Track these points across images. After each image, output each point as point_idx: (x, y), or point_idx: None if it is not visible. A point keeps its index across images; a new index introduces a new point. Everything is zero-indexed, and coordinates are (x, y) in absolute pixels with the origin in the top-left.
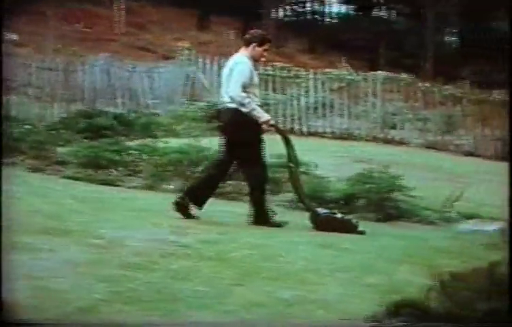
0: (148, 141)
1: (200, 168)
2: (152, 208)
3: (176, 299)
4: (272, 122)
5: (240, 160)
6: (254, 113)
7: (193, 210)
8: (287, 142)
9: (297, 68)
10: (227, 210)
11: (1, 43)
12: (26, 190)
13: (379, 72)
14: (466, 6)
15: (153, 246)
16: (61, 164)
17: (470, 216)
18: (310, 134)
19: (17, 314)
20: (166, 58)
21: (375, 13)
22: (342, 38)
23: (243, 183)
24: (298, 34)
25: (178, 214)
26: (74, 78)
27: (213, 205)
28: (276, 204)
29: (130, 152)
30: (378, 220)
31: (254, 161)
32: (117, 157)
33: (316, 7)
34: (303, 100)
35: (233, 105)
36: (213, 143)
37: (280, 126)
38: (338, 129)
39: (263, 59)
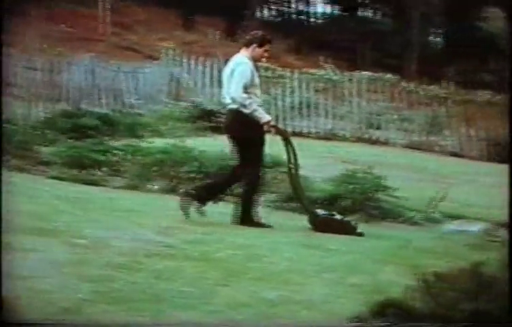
0: (133, 141)
1: (185, 168)
2: (137, 208)
3: (161, 299)
4: (273, 123)
5: (240, 159)
6: (256, 114)
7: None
8: (288, 143)
9: (281, 68)
10: (212, 210)
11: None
12: (11, 190)
13: (364, 72)
14: (450, 6)
15: (138, 246)
16: (46, 164)
17: (454, 217)
18: (295, 134)
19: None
20: (151, 58)
21: (360, 13)
22: (327, 38)
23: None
24: (283, 34)
25: (162, 214)
26: (59, 78)
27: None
28: (262, 204)
29: (114, 152)
30: (366, 221)
31: (254, 161)
32: (102, 157)
33: (301, 8)
34: (287, 100)
35: (234, 106)
36: (197, 143)
37: (281, 127)
38: (323, 129)
39: (263, 60)
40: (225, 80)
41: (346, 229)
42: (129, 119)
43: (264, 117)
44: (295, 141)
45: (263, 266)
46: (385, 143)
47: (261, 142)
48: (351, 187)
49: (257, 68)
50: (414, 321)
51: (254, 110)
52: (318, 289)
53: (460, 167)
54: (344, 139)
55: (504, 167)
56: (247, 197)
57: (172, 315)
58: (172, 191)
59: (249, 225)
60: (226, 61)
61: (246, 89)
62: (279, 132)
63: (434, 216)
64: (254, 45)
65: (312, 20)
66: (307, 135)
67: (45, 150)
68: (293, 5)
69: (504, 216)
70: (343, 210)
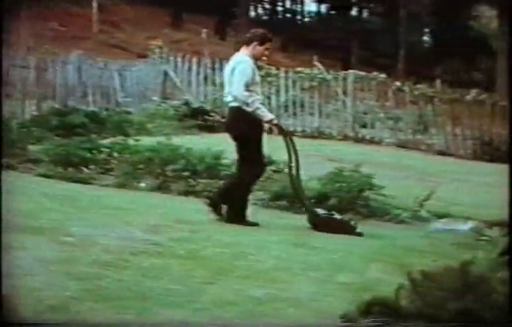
0: (120, 139)
1: (172, 166)
2: (124, 206)
3: (148, 297)
4: (276, 121)
5: (240, 156)
6: (258, 112)
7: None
8: (289, 142)
9: (268, 66)
10: (200, 208)
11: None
12: None
13: (351, 71)
14: (439, 5)
15: (125, 244)
16: (33, 162)
17: (441, 216)
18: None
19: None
20: (140, 56)
21: (349, 12)
22: (315, 37)
23: (220, 181)
24: (271, 33)
25: (149, 212)
26: (46, 76)
27: (185, 203)
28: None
29: (102, 150)
30: (353, 220)
31: (255, 158)
32: (89, 155)
33: (289, 6)
34: (274, 99)
35: (235, 104)
36: (184, 141)
37: (284, 126)
38: (309, 127)
39: (264, 58)
40: (226, 79)
41: (346, 228)
42: (117, 117)
43: (267, 115)
44: (282, 139)
45: (250, 264)
46: (372, 141)
47: (261, 140)
48: (338, 185)
49: (258, 66)
50: (401, 320)
51: (257, 108)
52: (305, 288)
53: (447, 165)
54: (330, 137)
55: (491, 166)
56: (237, 194)
57: (159, 313)
58: (159, 188)
59: (237, 223)
60: (213, 60)
61: (248, 87)
62: (281, 131)
63: (421, 215)
64: (255, 43)
65: (300, 18)
66: (293, 134)
67: (33, 148)
68: (281, 4)
69: (491, 216)
70: (330, 208)
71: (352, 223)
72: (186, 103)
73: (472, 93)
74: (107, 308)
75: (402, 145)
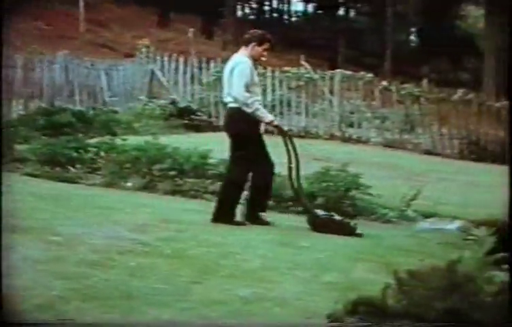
0: (107, 138)
1: (158, 166)
2: (111, 206)
3: (134, 296)
4: (276, 122)
5: (237, 156)
6: (258, 113)
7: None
8: (289, 143)
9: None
10: (186, 207)
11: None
12: None
13: (338, 71)
14: (426, 5)
15: (111, 243)
16: (20, 161)
17: (428, 215)
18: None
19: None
20: (127, 55)
21: (335, 11)
22: (302, 36)
23: (207, 181)
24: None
25: (136, 212)
26: (33, 76)
27: (172, 202)
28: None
29: (89, 149)
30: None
31: (257, 158)
32: (76, 155)
33: (276, 6)
34: (261, 98)
35: (234, 105)
36: (171, 140)
37: (284, 127)
38: (296, 127)
39: (263, 59)
40: (225, 80)
41: (346, 230)
42: (103, 116)
43: (267, 116)
44: (266, 139)
45: (237, 263)
46: (359, 141)
47: (261, 140)
48: (325, 184)
49: (256, 67)
50: (387, 320)
51: (257, 109)
52: (292, 287)
53: (434, 165)
54: (317, 137)
55: (478, 166)
56: (228, 194)
57: (146, 312)
58: (146, 188)
59: (224, 223)
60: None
61: (248, 88)
62: (281, 132)
63: (407, 214)
64: (254, 44)
65: (287, 18)
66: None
67: (20, 148)
68: (268, 3)
69: (478, 215)
70: (316, 208)
71: (352, 224)
72: (173, 103)
73: (459, 93)
74: (94, 308)
75: (388, 144)
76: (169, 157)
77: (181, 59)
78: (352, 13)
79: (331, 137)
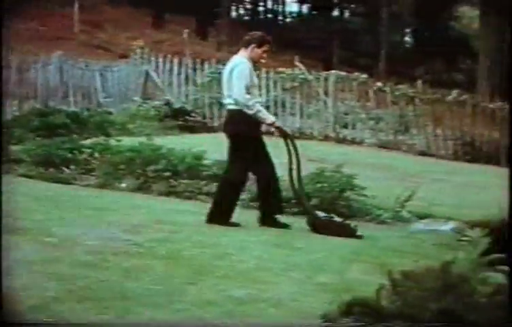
0: (101, 139)
1: (153, 167)
2: (105, 207)
3: (128, 297)
4: (277, 124)
5: (236, 158)
6: (260, 115)
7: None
8: (290, 144)
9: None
10: (181, 209)
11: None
12: None
13: (332, 71)
14: (420, 6)
15: (106, 244)
16: (14, 162)
17: (422, 216)
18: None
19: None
20: (121, 56)
21: (330, 12)
22: (297, 37)
23: (201, 182)
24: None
25: (130, 213)
26: (28, 77)
27: (166, 203)
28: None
29: (83, 150)
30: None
31: (262, 159)
32: (70, 155)
33: (270, 6)
34: None
35: (234, 107)
36: (166, 141)
37: (286, 129)
38: (290, 128)
39: (262, 60)
40: (224, 81)
41: (346, 231)
42: (98, 117)
43: (269, 118)
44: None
45: (231, 264)
46: (353, 142)
47: (262, 141)
48: (319, 185)
49: (256, 69)
50: (381, 320)
51: (258, 111)
52: (286, 288)
53: (428, 166)
54: (312, 138)
55: (472, 167)
56: (225, 195)
57: (140, 313)
58: (140, 189)
59: (219, 224)
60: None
61: (248, 90)
62: (283, 133)
63: (402, 215)
64: (253, 45)
65: (281, 18)
66: (274, 134)
67: (14, 148)
68: (263, 4)
69: (473, 216)
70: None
71: (352, 226)
72: (168, 104)
73: (454, 94)
74: (89, 309)
75: (383, 145)
76: (163, 158)
77: (175, 60)
78: (346, 14)
79: (326, 138)
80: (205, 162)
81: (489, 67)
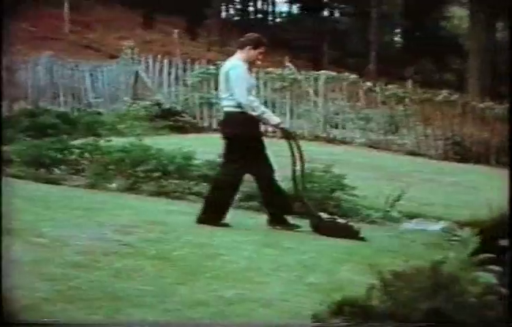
0: (91, 140)
1: (143, 167)
2: (95, 207)
3: (119, 297)
4: (282, 125)
5: (233, 159)
6: (265, 116)
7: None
8: (294, 146)
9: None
10: (171, 209)
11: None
12: None
13: (322, 71)
14: (410, 6)
15: (96, 244)
16: (4, 163)
17: (412, 216)
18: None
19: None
20: (111, 57)
21: (320, 12)
22: (287, 37)
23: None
24: (243, 33)
25: (120, 213)
26: (17, 77)
27: (156, 204)
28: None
29: (73, 150)
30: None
31: (260, 160)
32: (60, 156)
33: (260, 7)
34: None
35: (231, 109)
36: (156, 142)
37: (290, 129)
38: None
39: (258, 62)
40: (221, 83)
41: (349, 233)
42: (88, 118)
43: (274, 119)
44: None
45: (221, 264)
46: (343, 142)
47: (261, 141)
48: (309, 185)
49: (251, 70)
50: (371, 320)
51: (263, 112)
52: (276, 288)
53: (418, 166)
54: (302, 137)
55: (462, 166)
56: (217, 196)
57: (131, 313)
58: (130, 189)
59: (209, 224)
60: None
61: (250, 91)
62: (286, 134)
63: (392, 215)
64: (249, 47)
65: (271, 18)
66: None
67: (4, 149)
68: (253, 4)
69: (463, 216)
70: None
71: (355, 227)
72: (158, 104)
73: (444, 93)
74: (79, 309)
75: (373, 145)
76: (153, 159)
77: (166, 60)
78: (336, 14)
79: (316, 138)
80: (195, 162)
81: (479, 66)
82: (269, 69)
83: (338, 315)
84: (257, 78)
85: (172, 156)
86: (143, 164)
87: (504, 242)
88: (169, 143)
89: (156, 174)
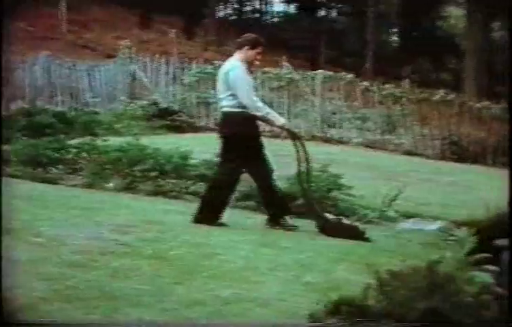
0: (88, 139)
1: (140, 167)
2: (92, 206)
3: (116, 297)
4: (287, 126)
5: (232, 159)
6: (270, 117)
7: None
8: (300, 146)
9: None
10: (168, 208)
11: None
12: None
13: (319, 71)
14: (407, 6)
15: (93, 244)
16: (2, 162)
17: (409, 215)
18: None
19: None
20: (108, 56)
21: (317, 12)
22: (284, 37)
23: (188, 182)
24: (240, 33)
25: (117, 213)
26: (15, 77)
27: (153, 203)
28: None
29: (70, 150)
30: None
31: (259, 160)
32: (57, 155)
33: (258, 6)
34: None
35: (230, 109)
36: (152, 141)
37: (295, 130)
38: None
39: (256, 62)
40: (220, 83)
41: (354, 233)
42: (85, 117)
43: (279, 120)
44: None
45: (218, 264)
46: (340, 141)
47: (259, 141)
48: (306, 185)
49: (250, 70)
50: (368, 320)
51: (268, 113)
52: (273, 287)
53: (415, 165)
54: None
55: (459, 166)
56: (214, 195)
57: (128, 312)
58: (127, 188)
59: (206, 224)
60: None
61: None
62: (291, 134)
63: (388, 215)
64: (247, 47)
65: (268, 18)
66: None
67: (3, 148)
68: (250, 3)
69: (459, 215)
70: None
71: (360, 228)
72: (155, 104)
73: (440, 93)
74: (77, 309)
75: (370, 145)
76: (150, 158)
77: (163, 60)
78: (333, 13)
79: (313, 137)
80: (192, 162)
81: (476, 66)
82: (267, 69)
83: (335, 315)
84: (254, 78)
85: (169, 155)
86: (140, 164)
87: (501, 242)
88: (166, 142)
89: (154, 174)
